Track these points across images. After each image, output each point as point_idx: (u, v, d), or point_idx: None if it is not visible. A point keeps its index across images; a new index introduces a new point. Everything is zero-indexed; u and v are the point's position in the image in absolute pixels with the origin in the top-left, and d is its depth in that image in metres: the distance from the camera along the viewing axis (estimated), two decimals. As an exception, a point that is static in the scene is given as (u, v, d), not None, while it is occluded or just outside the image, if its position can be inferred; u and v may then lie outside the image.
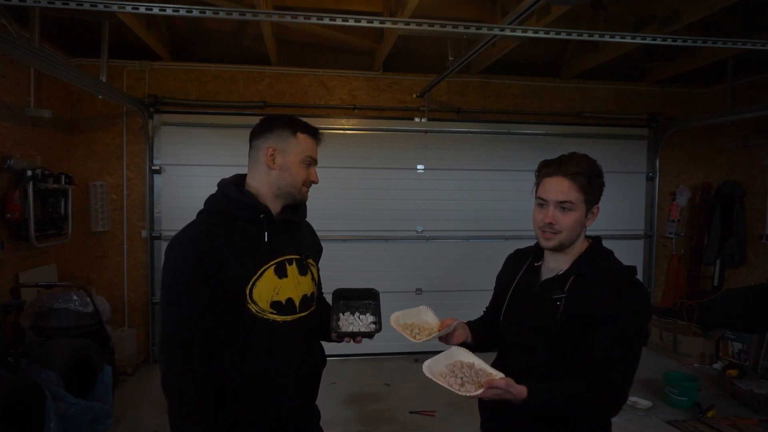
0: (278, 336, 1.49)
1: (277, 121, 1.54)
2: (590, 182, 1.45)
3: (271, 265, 1.49)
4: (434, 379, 1.34)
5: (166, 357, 1.40)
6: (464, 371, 1.37)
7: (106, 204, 4.86)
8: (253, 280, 1.45)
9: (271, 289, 1.47)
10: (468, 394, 1.29)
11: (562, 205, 1.45)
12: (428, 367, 1.37)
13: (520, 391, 1.30)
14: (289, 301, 1.51)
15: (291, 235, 1.58)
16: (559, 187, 1.45)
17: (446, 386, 1.32)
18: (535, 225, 1.52)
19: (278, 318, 1.49)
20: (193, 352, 1.39)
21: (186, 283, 1.40)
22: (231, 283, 1.42)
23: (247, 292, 1.44)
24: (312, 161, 1.57)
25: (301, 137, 1.53)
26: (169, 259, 1.44)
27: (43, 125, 4.23)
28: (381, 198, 5.23)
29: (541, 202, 1.49)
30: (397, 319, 1.61)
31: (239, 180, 1.58)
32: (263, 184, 1.53)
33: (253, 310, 1.45)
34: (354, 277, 4.67)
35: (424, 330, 1.57)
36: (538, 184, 1.52)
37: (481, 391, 1.28)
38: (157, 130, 4.91)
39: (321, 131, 1.62)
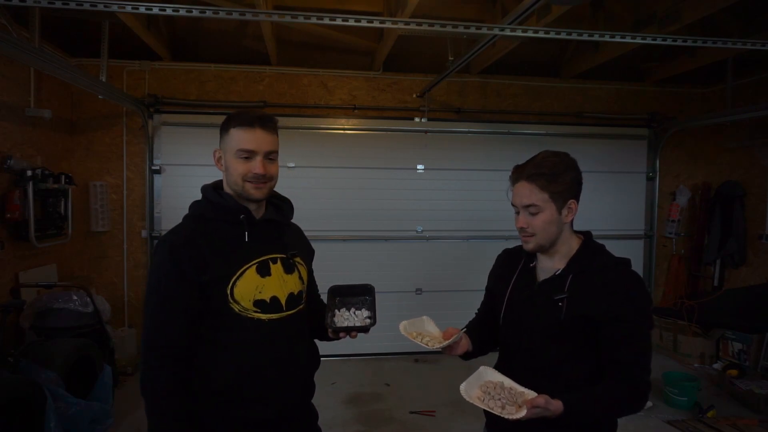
0: (264, 334, 1.50)
1: (222, 124, 1.54)
2: (552, 180, 1.44)
3: (252, 265, 1.50)
4: (475, 404, 1.38)
5: (144, 359, 1.43)
6: (498, 392, 1.41)
7: (106, 204, 4.86)
8: (234, 279, 1.46)
9: (253, 287, 1.48)
10: (512, 417, 1.31)
11: (528, 210, 1.47)
12: (465, 391, 1.41)
13: (557, 406, 1.32)
14: (274, 299, 1.52)
15: (276, 234, 1.60)
16: (521, 192, 1.48)
17: (489, 410, 1.36)
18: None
19: (263, 316, 1.50)
20: (171, 354, 1.42)
21: (165, 287, 1.43)
22: (212, 284, 1.44)
23: (228, 291, 1.45)
24: (247, 153, 1.47)
25: (233, 132, 1.49)
26: (152, 264, 1.50)
27: (43, 125, 4.23)
28: (381, 198, 5.23)
29: (515, 209, 1.53)
30: (405, 327, 1.63)
31: (220, 184, 1.61)
32: (227, 187, 1.57)
33: (236, 310, 1.46)
34: (354, 277, 4.63)
35: (434, 339, 1.59)
36: (511, 191, 1.54)
37: (524, 412, 1.30)
38: (157, 130, 4.91)
39: (264, 116, 1.51)
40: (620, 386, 1.40)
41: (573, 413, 1.34)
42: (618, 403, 1.42)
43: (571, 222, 1.52)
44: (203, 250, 1.45)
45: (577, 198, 1.49)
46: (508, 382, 1.44)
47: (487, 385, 1.44)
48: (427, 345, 1.54)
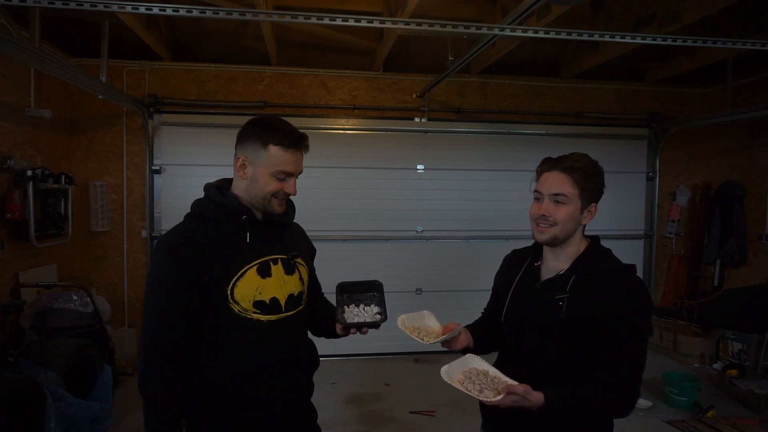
0: (263, 335, 1.50)
1: (252, 129, 1.49)
2: (586, 178, 1.46)
3: (253, 265, 1.49)
4: (453, 385, 1.37)
5: (143, 359, 1.43)
6: (480, 378, 1.40)
7: (106, 204, 4.86)
8: (234, 280, 1.46)
9: (253, 288, 1.48)
10: (488, 400, 1.31)
11: (556, 198, 1.47)
12: (446, 373, 1.41)
13: (538, 397, 1.32)
14: (274, 300, 1.52)
15: (276, 235, 1.59)
16: (554, 180, 1.48)
17: (465, 392, 1.35)
18: (531, 219, 1.54)
19: (262, 317, 1.49)
20: (170, 354, 1.42)
21: (165, 287, 1.43)
22: (213, 285, 1.44)
23: (229, 292, 1.45)
24: (285, 175, 1.48)
25: (273, 149, 1.45)
26: (152, 264, 1.49)
27: (43, 125, 4.23)
28: (381, 198, 5.23)
29: (538, 196, 1.52)
30: (403, 321, 1.63)
31: (224, 184, 1.59)
32: (239, 191, 1.54)
33: (236, 310, 1.46)
34: (354, 277, 4.62)
35: (431, 333, 1.59)
36: (537, 180, 1.55)
37: (500, 397, 1.30)
38: (157, 130, 4.91)
39: (305, 137, 1.51)
40: (608, 388, 1.39)
41: (553, 408, 1.34)
42: (602, 405, 1.41)
43: (584, 225, 1.53)
44: (204, 249, 1.44)
45: (597, 203, 1.51)
46: (494, 371, 1.44)
47: (471, 372, 1.43)
48: (422, 340, 1.54)
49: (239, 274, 1.47)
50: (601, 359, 1.42)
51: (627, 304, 1.40)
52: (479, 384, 1.37)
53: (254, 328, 1.48)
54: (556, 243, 1.51)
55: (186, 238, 1.46)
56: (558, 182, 1.47)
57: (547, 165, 1.52)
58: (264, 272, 1.51)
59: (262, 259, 1.52)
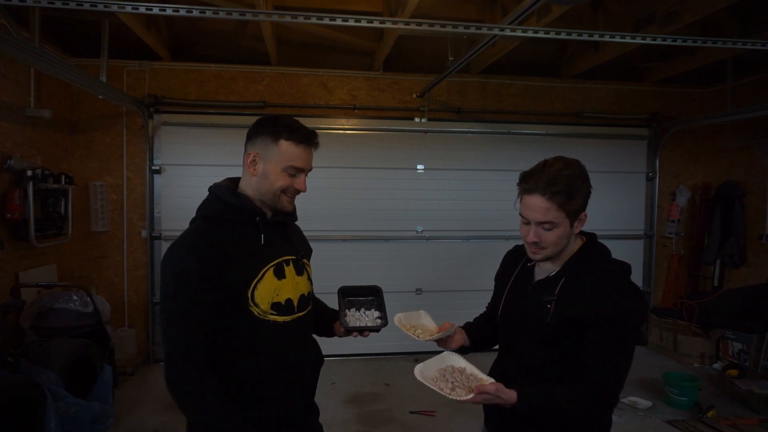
0: (280, 336, 1.48)
1: (264, 126, 1.48)
2: (570, 197, 1.40)
3: (270, 267, 1.48)
4: (425, 383, 1.36)
5: (182, 371, 1.34)
6: (455, 376, 1.40)
7: (106, 204, 4.86)
8: (255, 282, 1.44)
9: (271, 290, 1.47)
10: (458, 399, 1.31)
11: (543, 226, 1.43)
12: (420, 371, 1.40)
13: (510, 395, 1.32)
14: (288, 301, 1.51)
15: (284, 235, 1.58)
16: (538, 207, 1.41)
17: (437, 390, 1.34)
18: (522, 238, 1.51)
19: (279, 319, 1.48)
20: (205, 358, 1.37)
21: (191, 291, 1.34)
22: (233, 287, 1.40)
23: (249, 295, 1.42)
24: (296, 171, 1.48)
25: (284, 145, 1.45)
26: (169, 268, 1.38)
27: (43, 125, 4.23)
28: (381, 198, 5.23)
29: (525, 221, 1.48)
30: (399, 319, 1.66)
31: (231, 183, 1.57)
32: (249, 189, 1.51)
33: (255, 313, 1.44)
34: (354, 277, 4.64)
35: (426, 331, 1.61)
36: (520, 198, 1.49)
37: (471, 396, 1.30)
38: (157, 130, 4.91)
39: (316, 135, 1.51)
40: (585, 392, 1.36)
41: (526, 407, 1.34)
42: (576, 408, 1.37)
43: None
44: (224, 251, 1.40)
45: (585, 210, 1.46)
46: (470, 368, 1.43)
47: (447, 369, 1.43)
48: (418, 337, 1.57)
49: (259, 276, 1.44)
50: (583, 362, 1.40)
51: (614, 307, 1.37)
52: (452, 382, 1.37)
53: (271, 330, 1.46)
54: (550, 260, 1.50)
55: (204, 238, 1.41)
56: (542, 209, 1.40)
57: (527, 185, 1.44)
58: (279, 274, 1.49)
59: (277, 261, 1.50)
